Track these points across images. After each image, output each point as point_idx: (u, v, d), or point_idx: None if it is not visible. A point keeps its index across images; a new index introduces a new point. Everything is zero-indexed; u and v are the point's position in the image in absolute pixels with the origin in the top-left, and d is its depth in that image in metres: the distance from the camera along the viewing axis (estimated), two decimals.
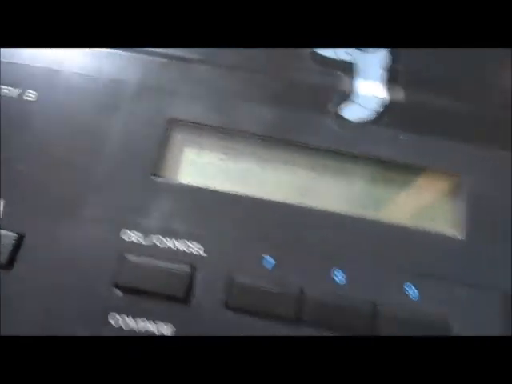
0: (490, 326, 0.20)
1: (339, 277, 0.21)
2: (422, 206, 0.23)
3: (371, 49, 0.26)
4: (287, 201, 0.22)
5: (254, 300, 0.20)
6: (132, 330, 0.19)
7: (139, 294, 0.20)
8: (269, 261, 0.21)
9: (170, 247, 0.21)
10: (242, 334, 0.19)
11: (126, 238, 0.21)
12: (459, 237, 0.22)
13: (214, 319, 0.20)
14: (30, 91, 0.24)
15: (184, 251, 0.21)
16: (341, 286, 0.21)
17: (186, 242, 0.21)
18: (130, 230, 0.21)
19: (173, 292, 0.20)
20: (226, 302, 0.20)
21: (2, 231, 0.20)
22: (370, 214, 0.22)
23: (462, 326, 0.20)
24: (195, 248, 0.21)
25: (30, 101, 0.24)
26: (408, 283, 0.21)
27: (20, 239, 0.20)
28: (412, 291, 0.21)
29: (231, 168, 0.23)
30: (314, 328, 0.20)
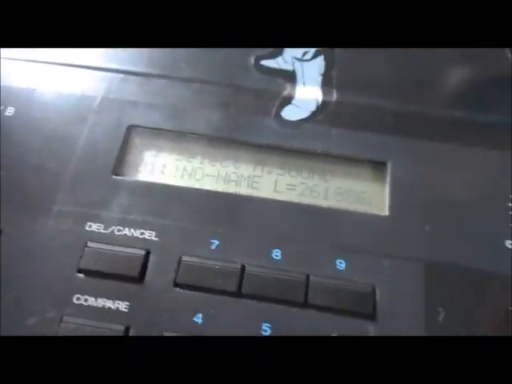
0: (413, 293, 0.22)
1: (277, 255, 0.23)
2: (351, 190, 0.26)
3: (310, 57, 0.29)
4: (231, 191, 0.25)
5: (199, 277, 0.23)
6: (93, 307, 0.22)
7: (99, 276, 0.23)
8: (214, 243, 0.24)
9: (126, 234, 0.24)
10: (188, 309, 0.22)
11: (89, 229, 0.24)
12: (383, 214, 0.24)
13: (165, 296, 0.22)
14: (10, 107, 0.27)
15: (139, 238, 0.24)
16: (278, 262, 0.23)
17: (141, 230, 0.24)
18: (93, 222, 0.24)
19: (128, 273, 0.23)
20: (175, 280, 0.23)
21: None
22: (306, 199, 0.25)
23: (387, 294, 0.22)
24: (149, 235, 0.24)
25: (9, 116, 0.27)
26: (337, 257, 0.23)
27: None
28: (341, 264, 0.23)
29: (186, 166, 0.26)
30: (253, 300, 0.22)
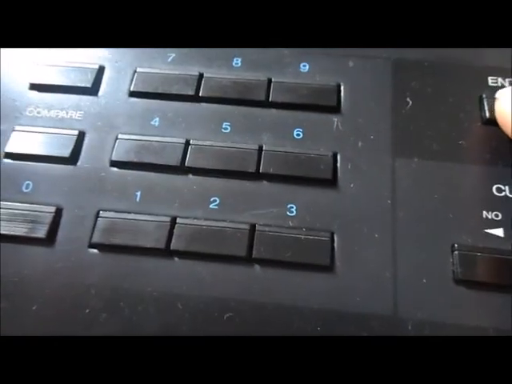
0: (379, 87, 0.21)
1: (237, 63, 0.22)
2: None
3: None
4: None
5: (154, 85, 0.21)
6: (46, 117, 0.21)
7: (52, 90, 0.22)
8: (170, 56, 0.23)
9: (78, 52, 0.23)
10: (144, 115, 0.21)
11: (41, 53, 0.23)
12: None
13: (120, 105, 0.21)
14: None
15: (92, 54, 0.23)
16: (238, 68, 0.22)
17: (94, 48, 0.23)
18: None
19: (82, 84, 0.22)
20: (130, 91, 0.21)
21: None
22: None
23: (352, 88, 0.21)
24: (102, 51, 0.23)
25: None
26: (300, 61, 0.22)
27: None
28: (304, 67, 0.22)
29: None
30: (212, 103, 0.21)
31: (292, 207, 0.19)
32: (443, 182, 0.19)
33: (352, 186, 0.19)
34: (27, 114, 0.21)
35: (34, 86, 0.22)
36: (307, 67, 0.22)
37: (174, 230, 0.18)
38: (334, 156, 0.20)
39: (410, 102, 0.21)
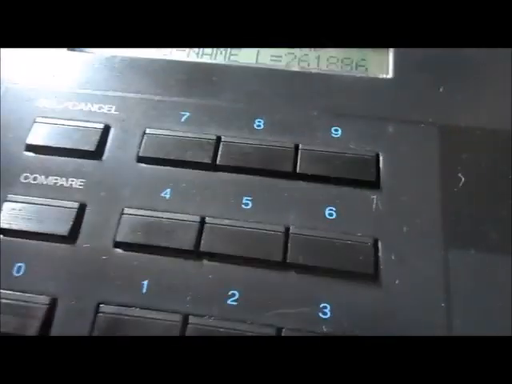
0: (424, 159, 0.19)
1: (259, 124, 0.20)
2: (348, 58, 0.22)
3: None
4: (205, 60, 0.21)
5: (166, 149, 0.19)
6: (43, 185, 0.19)
7: (50, 153, 0.19)
8: (184, 115, 0.20)
9: (82, 109, 0.20)
10: (155, 184, 0.18)
11: (40, 105, 0.20)
12: (386, 76, 0.20)
13: (126, 172, 0.19)
14: None
15: (96, 112, 0.20)
16: (261, 131, 0.19)
17: (99, 104, 0.20)
18: (44, 98, 0.21)
19: (84, 147, 0.19)
20: (138, 156, 0.19)
21: None
22: (295, 66, 0.21)
23: (392, 160, 0.18)
24: (108, 108, 0.20)
25: None
26: (332, 124, 0.19)
27: None
28: (336, 132, 0.19)
29: None
30: (231, 172, 0.18)
31: (325, 307, 0.16)
32: (508, 282, 0.16)
33: (397, 282, 0.16)
34: (22, 180, 0.19)
35: (31, 147, 0.19)
36: (339, 132, 0.19)
37: (186, 330, 0.16)
38: (375, 243, 0.17)
39: (463, 179, 0.18)
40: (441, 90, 0.20)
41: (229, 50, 0.22)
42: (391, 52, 0.21)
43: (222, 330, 0.16)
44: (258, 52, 0.22)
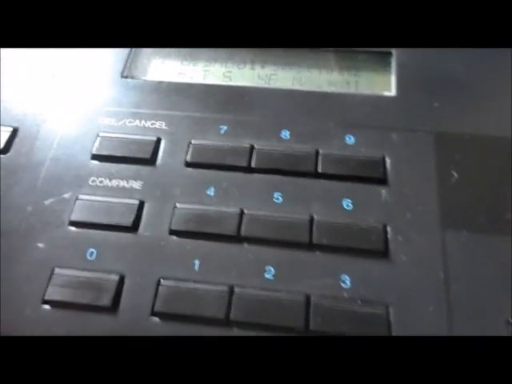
0: (424, 160, 0.22)
1: (285, 135, 0.24)
2: (357, 75, 0.26)
3: None
4: (238, 84, 0.26)
5: (209, 156, 0.23)
6: (107, 187, 0.23)
7: (112, 161, 0.23)
8: (222, 128, 0.24)
9: (137, 125, 0.24)
10: (200, 184, 0.22)
11: (102, 122, 0.25)
12: (390, 94, 0.24)
13: (177, 175, 0.23)
14: None
15: (149, 127, 0.24)
16: (287, 140, 0.23)
17: (152, 121, 0.24)
18: (104, 116, 0.25)
19: (141, 155, 0.23)
20: (186, 162, 0.23)
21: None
22: (313, 87, 0.25)
23: (397, 161, 0.22)
24: (159, 124, 0.24)
25: None
26: (346, 133, 0.23)
27: (15, 131, 0.25)
28: (350, 139, 0.23)
29: (192, 67, 0.27)
30: (263, 173, 0.22)
31: (346, 279, 0.19)
32: (493, 256, 0.19)
33: (404, 258, 0.20)
34: (90, 183, 0.23)
35: (96, 157, 0.23)
36: (352, 139, 0.23)
37: (232, 301, 0.19)
38: (384, 227, 0.20)
39: (455, 175, 0.22)
40: (435, 104, 0.24)
41: (257, 74, 0.27)
42: (393, 74, 0.25)
43: (261, 297, 0.19)
44: (282, 77, 0.27)
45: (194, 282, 0.20)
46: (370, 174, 0.22)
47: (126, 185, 0.23)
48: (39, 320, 0.20)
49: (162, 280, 0.20)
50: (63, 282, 0.20)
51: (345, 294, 0.19)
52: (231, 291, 0.19)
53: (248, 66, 0.27)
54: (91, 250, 0.21)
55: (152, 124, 0.24)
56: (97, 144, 0.24)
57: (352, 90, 0.25)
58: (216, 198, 0.22)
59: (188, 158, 0.23)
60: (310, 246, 0.20)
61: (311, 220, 0.21)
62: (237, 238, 0.21)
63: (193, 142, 0.24)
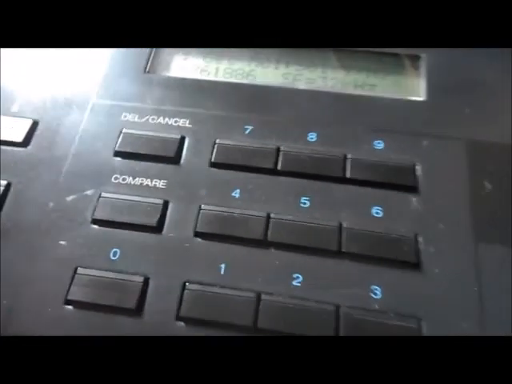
0: (455, 168, 0.22)
1: (312, 137, 0.23)
2: (385, 79, 0.25)
3: None
4: (262, 83, 0.25)
5: (234, 156, 0.22)
6: (131, 185, 0.22)
7: (136, 158, 0.23)
8: (247, 128, 0.23)
9: (160, 122, 0.24)
10: (226, 185, 0.22)
11: (124, 119, 0.24)
12: (419, 98, 0.24)
13: (202, 175, 0.22)
14: None
15: (173, 125, 0.24)
16: (314, 143, 0.23)
17: (175, 118, 0.24)
18: (128, 113, 0.24)
19: (165, 153, 0.23)
20: (211, 162, 0.22)
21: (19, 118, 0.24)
22: (339, 89, 0.25)
23: (428, 169, 0.22)
24: (183, 122, 0.24)
25: None
26: (375, 138, 0.23)
27: (35, 124, 0.24)
28: (379, 144, 0.23)
29: (215, 64, 0.26)
30: (290, 177, 0.22)
31: (376, 289, 0.19)
32: None
33: (436, 270, 0.19)
34: (113, 180, 0.22)
35: (119, 154, 0.23)
36: (382, 144, 0.23)
37: (260, 308, 0.19)
38: (416, 237, 0.20)
39: (489, 186, 0.21)
40: (467, 110, 0.23)
41: (282, 73, 0.26)
42: (423, 79, 0.25)
43: (290, 305, 0.19)
44: (307, 77, 0.26)
45: (220, 286, 0.19)
46: (401, 181, 0.21)
47: (149, 183, 0.22)
48: (61, 321, 0.19)
49: (187, 284, 0.20)
50: (86, 282, 0.20)
51: (376, 306, 0.19)
52: (258, 298, 0.19)
53: (272, 66, 0.26)
54: (115, 249, 0.21)
55: (175, 122, 0.24)
56: (120, 141, 0.23)
57: (379, 93, 0.25)
58: (241, 201, 0.22)
59: (213, 158, 0.22)
60: (339, 254, 0.20)
61: (340, 227, 0.20)
62: (263, 243, 0.20)
63: (217, 141, 0.23)
